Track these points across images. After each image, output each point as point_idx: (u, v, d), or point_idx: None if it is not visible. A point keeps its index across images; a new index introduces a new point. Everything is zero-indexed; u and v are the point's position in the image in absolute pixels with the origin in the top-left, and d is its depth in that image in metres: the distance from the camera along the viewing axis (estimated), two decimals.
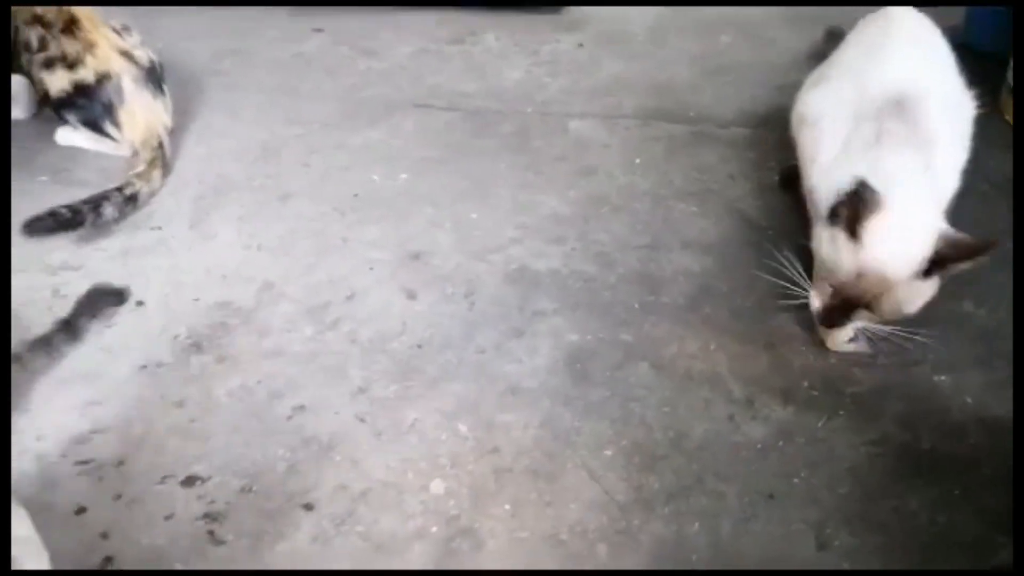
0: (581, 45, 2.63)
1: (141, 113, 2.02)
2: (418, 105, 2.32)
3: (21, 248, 1.73)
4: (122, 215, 1.80)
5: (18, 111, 2.28)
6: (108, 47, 1.99)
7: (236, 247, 1.76)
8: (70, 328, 0.93)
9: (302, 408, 1.33)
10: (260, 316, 1.55)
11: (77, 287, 1.64)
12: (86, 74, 1.97)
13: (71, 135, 2.12)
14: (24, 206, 1.89)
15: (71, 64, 1.97)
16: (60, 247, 1.73)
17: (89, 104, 2.00)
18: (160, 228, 1.82)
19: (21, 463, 1.23)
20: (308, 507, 1.16)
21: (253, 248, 1.75)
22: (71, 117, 2.04)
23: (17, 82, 2.20)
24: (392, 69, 2.57)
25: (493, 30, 2.80)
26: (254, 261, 1.70)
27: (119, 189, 1.84)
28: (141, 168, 1.92)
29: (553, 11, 2.87)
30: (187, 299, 1.59)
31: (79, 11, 1.98)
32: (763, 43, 2.58)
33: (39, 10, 1.97)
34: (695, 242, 1.72)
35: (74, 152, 2.11)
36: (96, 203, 1.76)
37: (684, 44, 2.64)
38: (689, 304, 1.54)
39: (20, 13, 2.00)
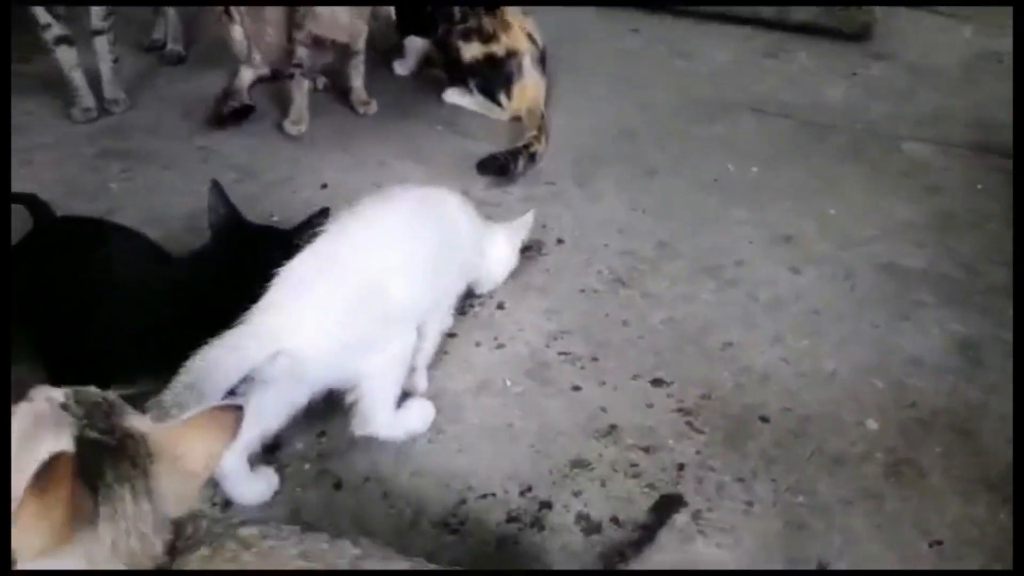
0: (894, 73, 2.77)
1: (531, 87, 2.36)
2: (752, 109, 2.54)
3: (450, 183, 2.08)
4: (525, 169, 2.13)
5: (403, 69, 2.68)
6: (519, 28, 2.33)
7: (623, 208, 2.04)
8: (649, 537, 1.14)
9: (731, 344, 1.58)
10: (664, 266, 1.82)
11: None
12: (497, 48, 2.32)
13: (459, 96, 2.49)
14: (427, 146, 2.28)
15: (486, 39, 2.32)
16: (478, 188, 2.06)
17: (493, 74, 2.35)
18: (553, 184, 2.13)
19: (515, 346, 1.55)
20: (764, 419, 1.41)
21: (638, 211, 2.02)
22: (472, 82, 2.39)
23: (414, 43, 2.60)
24: (714, 73, 2.81)
25: (804, 49, 3.00)
26: (642, 221, 1.98)
27: (525, 147, 2.17)
28: (535, 132, 2.24)
29: (860, 37, 3.03)
30: (597, 243, 1.88)
31: None
32: None
33: None
34: None
35: (458, 109, 2.48)
36: (514, 155, 2.09)
37: (998, 86, 2.73)
38: None
39: None
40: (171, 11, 2.63)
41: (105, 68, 2.28)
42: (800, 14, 3.10)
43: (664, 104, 2.58)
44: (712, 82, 2.74)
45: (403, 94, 2.57)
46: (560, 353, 1.54)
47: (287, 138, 2.27)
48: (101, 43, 2.24)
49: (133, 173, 2.07)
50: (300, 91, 2.31)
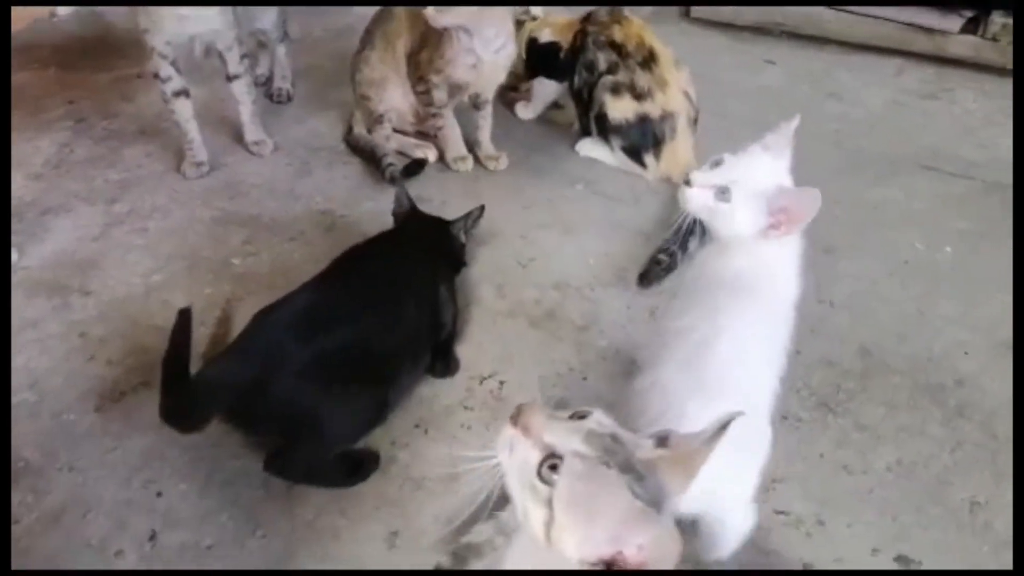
0: None
1: (683, 150, 2.10)
2: (925, 167, 2.26)
3: (602, 258, 1.85)
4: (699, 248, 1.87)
5: (527, 113, 2.44)
6: (677, 86, 2.07)
7: (809, 299, 1.75)
8: None
9: (978, 503, 1.33)
10: (874, 385, 1.56)
11: None
12: (652, 108, 2.06)
13: (595, 149, 2.24)
14: (570, 211, 2.05)
15: (639, 95, 2.06)
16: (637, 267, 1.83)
17: (641, 135, 2.09)
18: None
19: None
20: None
21: (826, 304, 1.77)
22: (616, 141, 2.14)
23: (551, 87, 2.35)
24: (871, 119, 2.52)
25: (966, 88, 2.69)
26: (834, 319, 1.72)
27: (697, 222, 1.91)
28: None
29: None
30: (789, 349, 1.62)
31: (659, 48, 2.07)
32: None
33: (619, 37, 2.08)
34: None
35: (593, 163, 2.24)
36: (684, 241, 1.84)
37: None
38: None
39: (596, 34, 2.11)
40: (280, 48, 2.43)
41: (246, 112, 2.15)
42: (959, 46, 2.78)
43: (823, 159, 2.30)
44: (872, 130, 2.45)
45: (530, 143, 2.34)
46: (778, 512, 1.30)
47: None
48: (239, 87, 2.09)
49: (256, 246, 1.88)
50: (452, 127, 2.11)
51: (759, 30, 3.02)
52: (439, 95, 2.04)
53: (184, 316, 1.38)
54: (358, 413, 1.35)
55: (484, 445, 1.36)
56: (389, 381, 1.40)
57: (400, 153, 2.18)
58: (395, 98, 2.11)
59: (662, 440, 0.74)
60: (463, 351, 1.60)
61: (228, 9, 1.95)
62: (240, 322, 1.42)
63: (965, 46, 2.77)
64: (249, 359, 1.25)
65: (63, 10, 2.89)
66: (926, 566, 1.23)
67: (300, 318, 1.31)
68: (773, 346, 1.20)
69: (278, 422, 1.26)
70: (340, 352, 1.30)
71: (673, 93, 2.03)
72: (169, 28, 1.86)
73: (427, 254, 1.61)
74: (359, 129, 2.23)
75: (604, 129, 2.12)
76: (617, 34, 2.07)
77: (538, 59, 2.26)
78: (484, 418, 1.47)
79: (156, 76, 1.96)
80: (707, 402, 1.08)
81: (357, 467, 1.35)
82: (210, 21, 1.91)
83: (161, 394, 1.22)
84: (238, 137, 2.23)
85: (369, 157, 2.13)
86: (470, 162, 2.11)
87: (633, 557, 0.66)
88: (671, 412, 1.06)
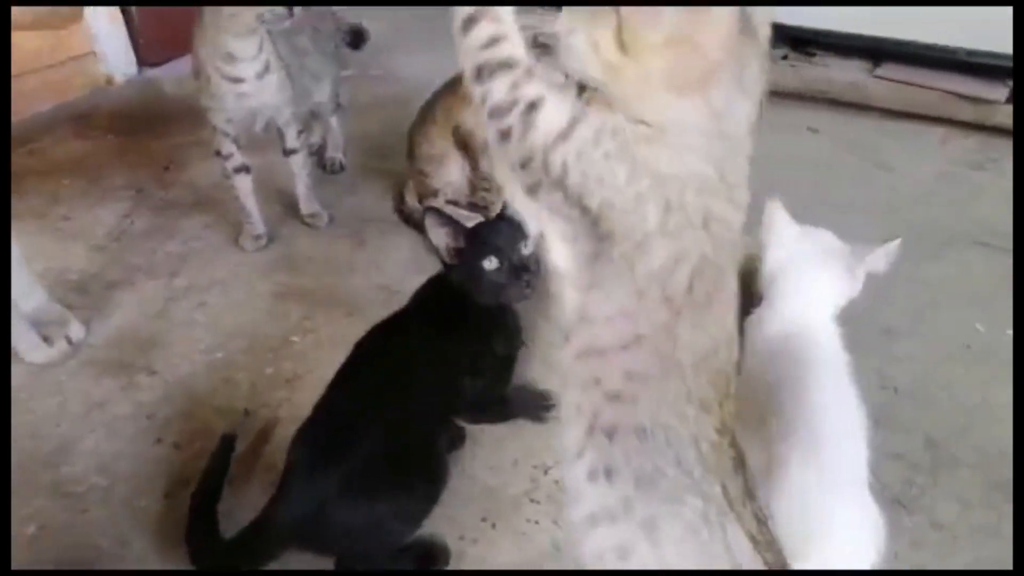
0: None
1: None
2: (979, 242, 2.24)
3: None
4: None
5: None
6: None
7: (872, 386, 1.76)
8: None
9: None
10: (944, 479, 1.54)
11: None
12: None
13: None
14: None
15: None
16: None
17: None
18: None
19: None
20: None
21: (889, 390, 1.75)
22: None
23: None
24: (921, 191, 2.52)
25: (1011, 158, 2.67)
26: (899, 407, 1.70)
27: None
28: None
29: None
30: None
31: None
32: None
33: None
34: None
35: None
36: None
37: None
38: None
39: None
40: (333, 118, 2.49)
41: (302, 185, 2.20)
42: (1004, 116, 2.79)
43: (876, 232, 2.24)
44: (922, 203, 2.45)
45: None
46: None
47: None
48: (297, 161, 2.15)
49: (315, 322, 1.90)
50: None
51: (800, 97, 3.04)
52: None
53: (226, 443, 1.39)
54: (415, 503, 1.32)
55: (552, 542, 1.37)
56: (435, 456, 1.37)
57: None
58: (453, 173, 2.14)
59: None
60: (522, 439, 1.60)
61: (287, 85, 2.00)
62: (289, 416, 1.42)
63: (1010, 115, 2.76)
64: (294, 501, 1.23)
65: (120, 77, 2.98)
66: None
67: (333, 435, 1.27)
68: (854, 405, 1.26)
69: (337, 543, 1.26)
70: (380, 455, 1.26)
71: None
72: (231, 105, 1.92)
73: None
74: (411, 200, 2.26)
75: None
76: None
77: None
78: (551, 512, 1.45)
79: (218, 153, 2.01)
80: (840, 490, 1.10)
81: (428, 558, 1.34)
82: (271, 96, 1.96)
83: (189, 546, 1.24)
84: (292, 207, 2.27)
85: (424, 230, 2.15)
86: None
87: None
88: (811, 513, 1.09)
